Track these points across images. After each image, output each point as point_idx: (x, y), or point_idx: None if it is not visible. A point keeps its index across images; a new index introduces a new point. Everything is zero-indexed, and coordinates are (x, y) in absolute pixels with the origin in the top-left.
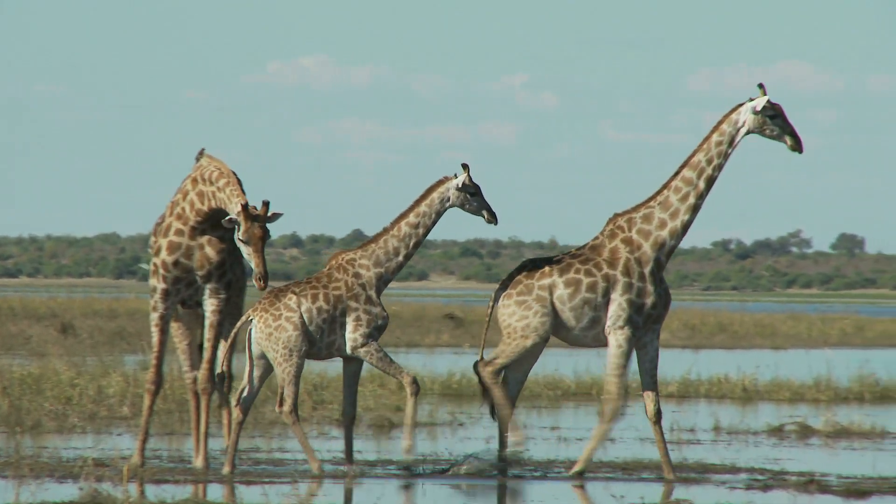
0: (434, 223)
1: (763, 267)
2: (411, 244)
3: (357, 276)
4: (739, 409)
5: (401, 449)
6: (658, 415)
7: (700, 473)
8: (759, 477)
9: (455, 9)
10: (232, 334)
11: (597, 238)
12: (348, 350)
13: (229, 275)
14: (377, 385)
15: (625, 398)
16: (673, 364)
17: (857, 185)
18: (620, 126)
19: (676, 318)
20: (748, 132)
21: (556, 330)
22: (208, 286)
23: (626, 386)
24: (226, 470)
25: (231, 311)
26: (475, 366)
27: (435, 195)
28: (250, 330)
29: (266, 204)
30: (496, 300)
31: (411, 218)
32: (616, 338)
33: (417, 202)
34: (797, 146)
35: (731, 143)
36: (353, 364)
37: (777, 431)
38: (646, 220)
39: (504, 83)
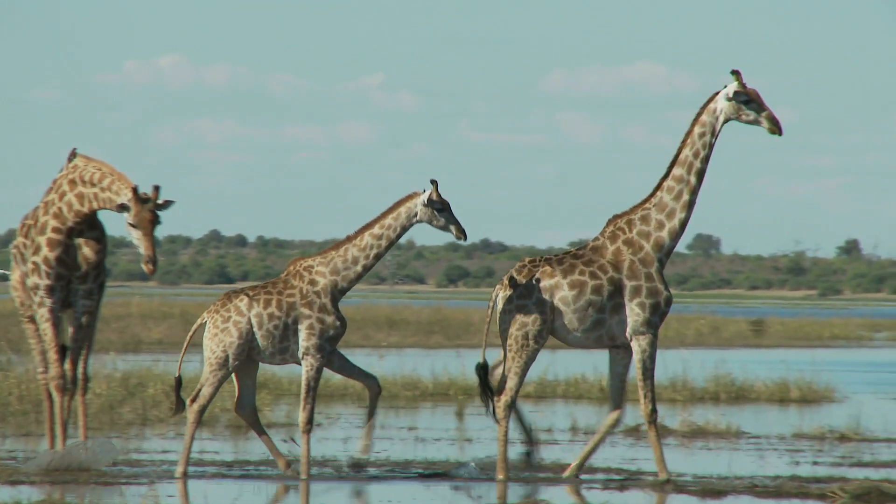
0: (399, 237)
1: None
2: (371, 255)
3: (313, 282)
4: (596, 410)
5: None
6: (617, 423)
7: (557, 474)
8: (616, 477)
9: (312, 9)
10: (188, 337)
11: (597, 239)
12: (299, 355)
13: (102, 276)
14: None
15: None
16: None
17: (712, 186)
18: (477, 126)
19: None
20: (727, 119)
21: (558, 332)
22: (82, 287)
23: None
24: (179, 471)
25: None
26: (476, 368)
27: (402, 209)
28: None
29: (157, 189)
30: (495, 301)
31: (376, 229)
32: (639, 343)
33: (384, 214)
34: (775, 128)
35: (713, 132)
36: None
37: (634, 432)
38: (644, 221)
39: (361, 83)
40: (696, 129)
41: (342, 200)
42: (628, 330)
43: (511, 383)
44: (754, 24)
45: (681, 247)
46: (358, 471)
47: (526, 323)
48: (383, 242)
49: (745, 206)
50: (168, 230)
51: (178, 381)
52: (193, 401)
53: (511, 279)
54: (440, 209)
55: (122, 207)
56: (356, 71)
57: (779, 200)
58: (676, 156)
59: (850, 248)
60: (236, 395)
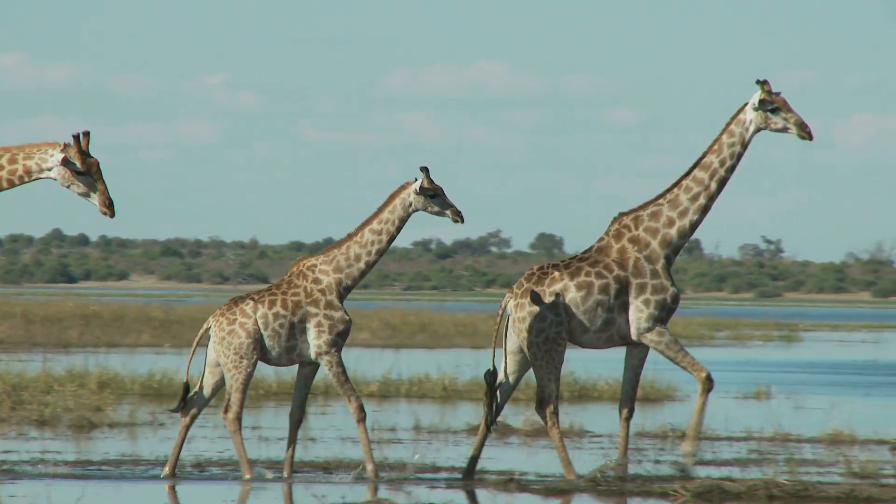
0: (399, 229)
1: (463, 266)
2: (374, 251)
3: (317, 281)
4: (440, 409)
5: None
6: (630, 413)
7: (401, 473)
8: (460, 476)
9: (153, 7)
10: (194, 342)
11: (602, 239)
12: (312, 356)
13: None
14: (77, 385)
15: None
16: (374, 364)
17: (555, 185)
18: (319, 125)
19: (377, 318)
20: (757, 130)
21: (570, 334)
22: None
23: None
24: (165, 472)
25: None
26: (485, 375)
27: (397, 201)
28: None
29: (87, 135)
30: (505, 309)
31: (374, 225)
32: (650, 338)
33: (381, 209)
34: (805, 134)
35: (743, 143)
36: (306, 368)
37: (476, 430)
38: (654, 217)
39: (202, 82)
40: (725, 139)
41: (184, 199)
42: (633, 329)
43: (549, 390)
44: (596, 23)
45: (523, 246)
46: (201, 470)
47: (543, 328)
48: (384, 237)
49: (587, 206)
50: (9, 229)
51: (186, 387)
52: (226, 411)
53: (521, 286)
54: (433, 195)
55: (67, 162)
56: (198, 70)
57: (621, 200)
58: (700, 159)
59: (692, 247)
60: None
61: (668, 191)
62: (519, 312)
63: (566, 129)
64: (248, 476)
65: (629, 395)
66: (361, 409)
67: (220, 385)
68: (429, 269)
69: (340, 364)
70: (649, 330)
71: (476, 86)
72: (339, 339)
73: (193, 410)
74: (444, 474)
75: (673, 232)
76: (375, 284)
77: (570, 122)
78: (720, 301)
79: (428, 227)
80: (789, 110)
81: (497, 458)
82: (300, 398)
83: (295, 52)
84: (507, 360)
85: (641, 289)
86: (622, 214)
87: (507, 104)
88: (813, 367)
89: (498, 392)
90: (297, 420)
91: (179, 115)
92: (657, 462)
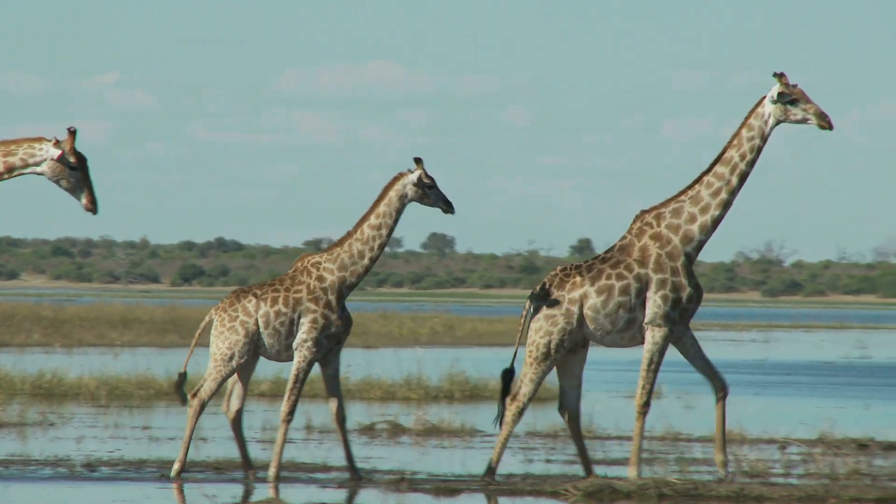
0: (396, 221)
1: None
2: (376, 246)
3: (321, 279)
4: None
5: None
6: (725, 391)
7: (292, 472)
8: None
9: (44, 5)
10: (196, 335)
11: (624, 237)
12: (294, 345)
13: None
14: None
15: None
16: (266, 363)
17: (447, 185)
18: (211, 125)
19: None
20: (776, 123)
21: (593, 335)
22: None
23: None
24: (176, 468)
25: None
26: (502, 373)
27: (392, 193)
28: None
29: (74, 132)
30: (529, 310)
31: (372, 220)
32: (653, 334)
33: (376, 203)
34: (825, 124)
35: (762, 136)
36: (330, 368)
37: (368, 430)
38: (675, 214)
39: (95, 81)
40: (745, 133)
41: (75, 199)
42: (647, 318)
43: (525, 390)
44: (489, 23)
45: (415, 245)
46: (91, 470)
47: (551, 332)
48: (383, 231)
49: (479, 205)
50: None
51: (183, 377)
52: (195, 395)
53: (543, 288)
54: (429, 187)
55: (62, 157)
56: (90, 69)
57: (513, 200)
58: (721, 154)
59: (583, 247)
60: (230, 397)
61: (690, 187)
62: (536, 313)
63: (459, 128)
64: (174, 473)
65: (711, 374)
66: (291, 413)
67: (251, 372)
68: None
69: (309, 366)
70: (659, 326)
71: (370, 85)
72: (326, 341)
73: (237, 406)
74: (334, 474)
75: (695, 228)
76: None
77: (463, 122)
78: None
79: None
80: (808, 101)
81: (388, 457)
82: (336, 399)
83: (188, 51)
84: (564, 376)
85: (661, 284)
86: (644, 212)
87: (400, 104)
88: None
89: (566, 397)
90: (342, 419)
91: (72, 115)
92: (549, 461)
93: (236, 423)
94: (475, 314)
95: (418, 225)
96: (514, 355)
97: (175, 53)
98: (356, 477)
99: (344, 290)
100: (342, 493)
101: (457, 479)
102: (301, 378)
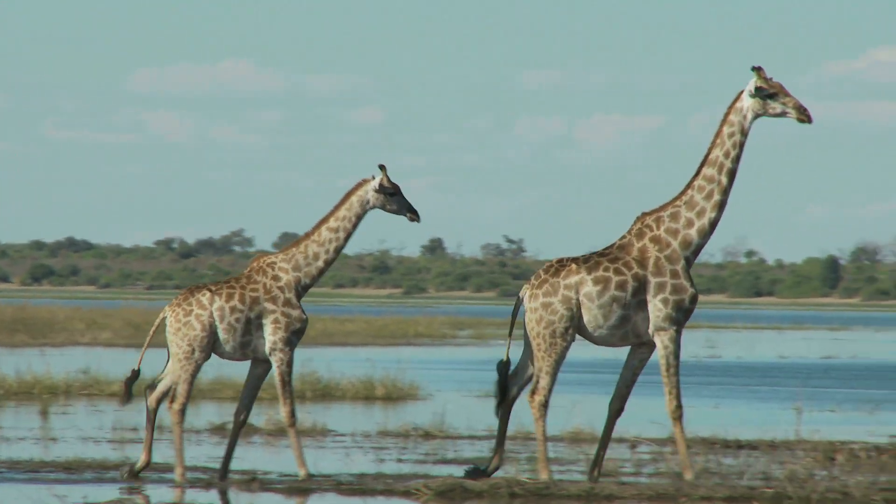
0: (355, 227)
1: (206, 266)
2: (332, 249)
3: (276, 278)
4: (193, 409)
5: (299, 475)
6: (619, 414)
7: (145, 472)
8: (202, 475)
9: None
10: (150, 332)
11: (624, 237)
12: (266, 351)
13: None
14: None
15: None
16: (117, 363)
17: (298, 184)
18: (62, 124)
19: (120, 317)
20: (755, 116)
21: (583, 329)
22: None
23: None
24: (178, 474)
25: None
26: (498, 365)
27: (354, 199)
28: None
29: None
30: (521, 300)
31: (331, 223)
32: (661, 339)
33: (337, 206)
34: (804, 117)
35: (743, 131)
36: (259, 368)
37: (220, 430)
38: (673, 218)
39: None
40: (725, 129)
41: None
42: (650, 326)
43: (543, 382)
44: (341, 22)
45: (266, 245)
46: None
47: (553, 321)
48: (341, 235)
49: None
50: None
51: (135, 374)
52: (172, 402)
53: (538, 277)
54: (392, 193)
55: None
56: None
57: None
58: (707, 156)
59: (435, 246)
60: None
61: (683, 192)
62: (532, 303)
63: (311, 127)
64: (178, 478)
65: (622, 394)
66: (293, 414)
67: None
68: (171, 269)
69: (290, 364)
70: (664, 330)
71: (221, 84)
72: (294, 338)
73: (157, 395)
74: (186, 474)
75: (693, 233)
76: (117, 283)
77: (314, 121)
78: (463, 300)
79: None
80: (787, 95)
81: (240, 457)
82: (248, 398)
83: (39, 50)
84: (525, 350)
85: (661, 288)
86: (645, 214)
87: (252, 103)
88: None
89: (513, 381)
90: (242, 421)
91: None
92: (400, 461)
93: (151, 417)
94: (327, 314)
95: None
96: (508, 346)
97: (26, 52)
98: (221, 478)
99: (300, 290)
100: (193, 494)
101: (311, 479)
102: (287, 380)
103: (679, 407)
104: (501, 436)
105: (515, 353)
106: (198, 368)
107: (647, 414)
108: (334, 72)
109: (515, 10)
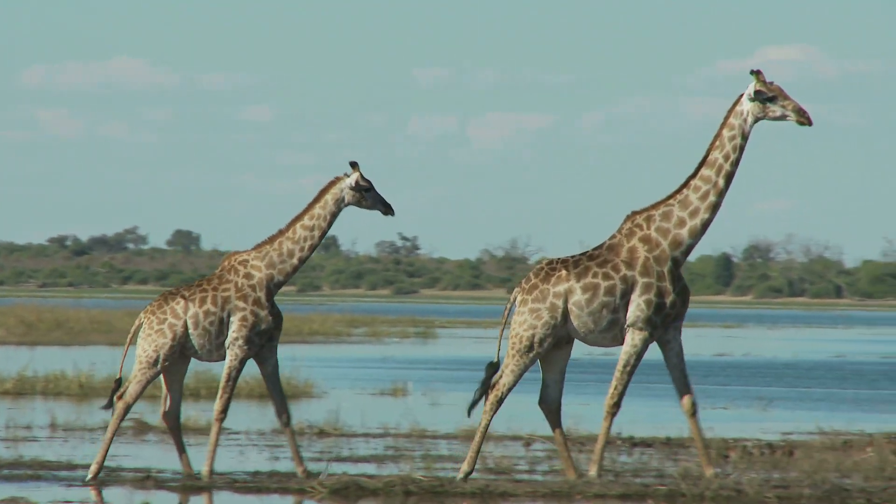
0: (330, 224)
1: (100, 263)
2: (306, 247)
3: (248, 276)
4: (76, 406)
5: (202, 472)
6: (694, 407)
7: (36, 471)
8: (100, 475)
9: None
10: (128, 338)
11: (614, 237)
12: (226, 343)
13: None
14: None
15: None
16: (9, 361)
17: (191, 182)
18: None
19: (13, 315)
20: (755, 120)
21: (575, 332)
22: None
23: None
24: (92, 472)
25: None
26: (487, 366)
27: (329, 196)
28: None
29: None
30: (513, 303)
31: (306, 220)
32: (632, 337)
33: (311, 204)
34: (804, 120)
35: (743, 135)
36: (267, 365)
37: (132, 428)
38: (665, 217)
39: None
40: (726, 133)
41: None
42: (628, 321)
43: (506, 380)
44: (231, 20)
45: (160, 242)
46: None
47: (535, 325)
48: (316, 233)
49: (223, 203)
50: None
51: (119, 383)
52: (120, 397)
53: (529, 281)
54: (366, 190)
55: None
56: None
57: (257, 196)
58: (705, 157)
59: (329, 244)
60: (167, 400)
61: (678, 191)
62: (522, 307)
63: (203, 125)
64: (93, 470)
65: (681, 384)
66: (224, 411)
67: (184, 374)
68: (65, 266)
69: (241, 364)
70: (640, 330)
71: (114, 81)
72: (257, 338)
73: (170, 408)
74: (80, 472)
75: (684, 232)
76: (10, 281)
77: (207, 119)
78: (357, 298)
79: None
80: (786, 98)
81: (134, 455)
82: (278, 395)
83: None
84: (547, 371)
85: (647, 288)
86: (635, 213)
87: (144, 100)
88: (449, 364)
89: (547, 391)
90: (285, 421)
91: None
92: (283, 458)
93: (174, 427)
94: None
95: (163, 222)
96: (499, 347)
97: None
98: (306, 475)
99: (272, 287)
100: (87, 492)
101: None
102: (233, 376)
103: (617, 405)
104: (564, 447)
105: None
106: (157, 375)
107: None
108: (226, 69)
109: (407, 8)
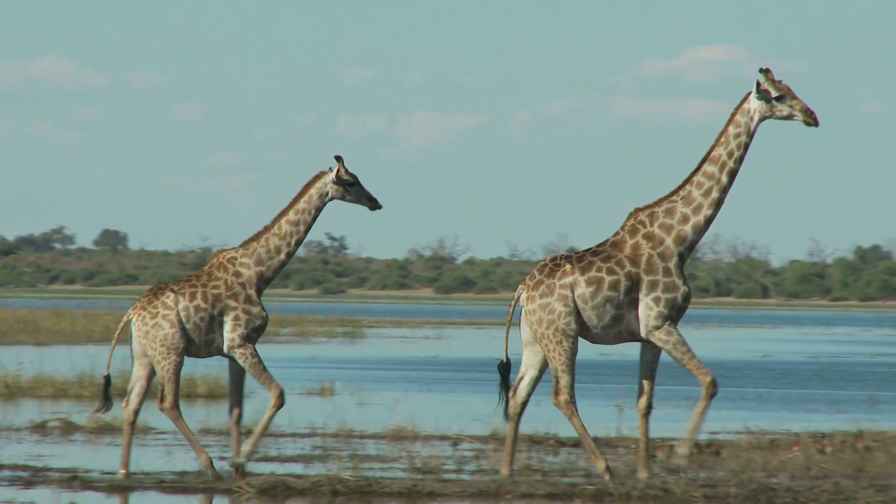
0: (315, 219)
1: (26, 263)
2: (293, 242)
3: (237, 274)
4: (2, 407)
5: (242, 453)
6: (649, 409)
7: None
8: (22, 474)
9: None
10: (115, 336)
11: (617, 234)
12: (226, 349)
13: None
14: None
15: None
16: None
17: (119, 181)
18: None
19: None
20: (762, 119)
21: (579, 328)
22: None
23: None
24: (121, 473)
25: None
26: (499, 366)
27: (313, 191)
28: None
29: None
30: (518, 300)
31: (291, 215)
32: (658, 337)
33: (296, 199)
34: (811, 120)
35: (749, 133)
36: (237, 363)
37: (40, 428)
38: (668, 214)
39: None
40: (731, 129)
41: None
42: (642, 327)
43: (563, 381)
44: (158, 19)
45: (87, 242)
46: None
47: (553, 320)
48: (301, 227)
49: (151, 202)
50: None
51: (108, 380)
52: (162, 401)
53: (533, 278)
54: (350, 184)
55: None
56: None
57: (185, 196)
58: (709, 153)
59: None
60: (131, 395)
61: (681, 187)
62: (530, 305)
63: (131, 124)
64: (204, 463)
65: (645, 390)
66: (281, 395)
67: (152, 374)
68: None
69: (256, 355)
70: (658, 328)
71: (40, 80)
72: (254, 334)
73: (135, 405)
74: (6, 472)
75: (688, 228)
76: None
77: (134, 118)
78: (285, 297)
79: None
80: (794, 97)
81: (61, 455)
82: (236, 393)
83: None
84: (525, 352)
85: (653, 286)
86: (638, 210)
87: (72, 99)
88: (377, 364)
89: (521, 385)
90: (236, 417)
91: None
92: (222, 458)
93: (131, 422)
94: None
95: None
96: (506, 346)
97: None
98: (236, 469)
99: (261, 284)
100: (13, 492)
101: (131, 477)
102: (262, 367)
103: (713, 383)
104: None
105: (513, 353)
106: (179, 365)
107: (469, 411)
108: (153, 69)
109: (335, 7)
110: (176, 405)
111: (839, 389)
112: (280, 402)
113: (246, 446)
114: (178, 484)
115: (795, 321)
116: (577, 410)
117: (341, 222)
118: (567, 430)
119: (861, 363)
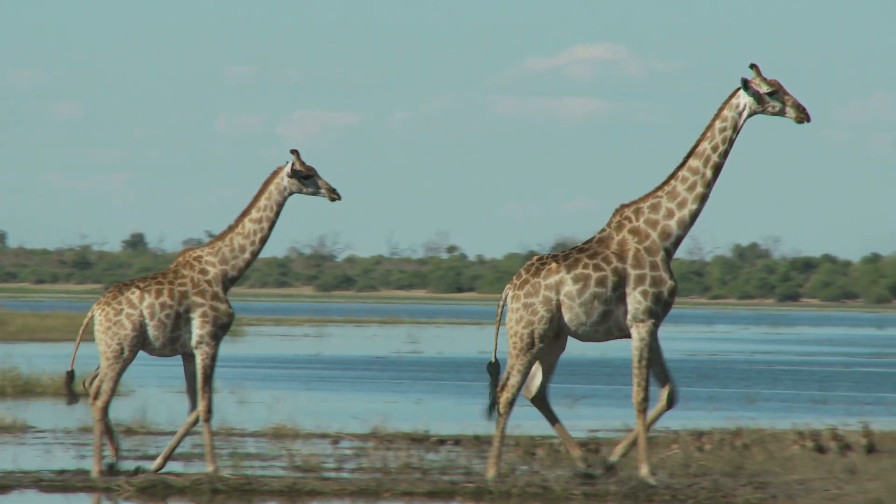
0: (277, 215)
1: None
2: (257, 240)
3: (203, 272)
4: None
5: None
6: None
7: None
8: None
9: None
10: (80, 331)
11: (604, 230)
12: (193, 344)
13: None
14: None
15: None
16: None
17: None
18: None
19: None
20: (752, 114)
21: (567, 326)
22: None
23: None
24: (94, 471)
25: None
26: (488, 367)
27: (272, 187)
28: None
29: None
30: (506, 300)
31: (253, 214)
32: (638, 331)
33: (256, 197)
34: (802, 116)
35: (735, 128)
36: (192, 363)
37: None
38: (653, 209)
39: None
40: (717, 124)
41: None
42: (629, 317)
43: (514, 381)
44: (37, 15)
45: None
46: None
47: (532, 321)
48: (264, 225)
49: (30, 200)
50: None
51: (71, 375)
52: (95, 398)
53: (520, 277)
54: (306, 177)
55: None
56: None
57: (64, 194)
58: (694, 148)
59: (136, 241)
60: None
61: (666, 182)
62: (514, 303)
63: (9, 122)
64: (95, 474)
65: (663, 380)
66: (209, 410)
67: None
68: None
69: (214, 359)
70: (642, 322)
71: None
72: (221, 332)
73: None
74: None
75: (673, 223)
76: None
77: (14, 115)
78: None
79: None
80: (785, 93)
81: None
82: (194, 394)
83: None
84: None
85: (640, 280)
86: (623, 206)
87: None
88: (257, 362)
89: (534, 381)
90: (196, 417)
91: None
92: (102, 457)
93: (100, 419)
94: (27, 309)
95: None
96: (496, 346)
97: None
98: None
99: (226, 283)
100: None
101: (7, 475)
102: (210, 374)
103: (645, 399)
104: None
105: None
106: (125, 367)
107: (349, 409)
108: (33, 66)
109: (217, 5)
110: (107, 406)
111: (718, 387)
112: (206, 418)
113: (159, 460)
114: (57, 482)
115: (675, 319)
116: (510, 413)
117: (221, 220)
118: (449, 429)
119: (740, 361)
